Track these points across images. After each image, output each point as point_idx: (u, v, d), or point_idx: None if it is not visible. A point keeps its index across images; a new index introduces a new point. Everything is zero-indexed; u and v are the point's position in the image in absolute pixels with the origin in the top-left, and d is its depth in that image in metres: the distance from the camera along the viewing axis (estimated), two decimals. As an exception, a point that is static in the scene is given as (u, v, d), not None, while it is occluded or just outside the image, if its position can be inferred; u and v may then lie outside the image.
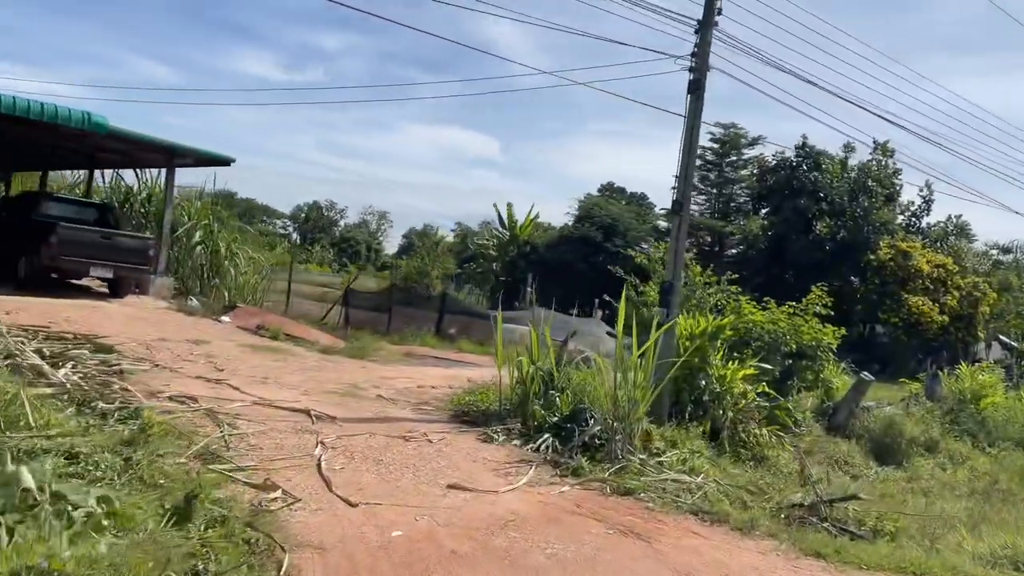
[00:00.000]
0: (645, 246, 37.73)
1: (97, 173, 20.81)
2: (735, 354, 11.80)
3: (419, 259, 43.91)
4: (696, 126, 10.81)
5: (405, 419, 8.70)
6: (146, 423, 5.78)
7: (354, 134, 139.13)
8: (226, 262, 17.44)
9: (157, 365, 9.41)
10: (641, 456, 7.45)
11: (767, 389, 11.54)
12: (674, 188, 11.03)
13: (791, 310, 13.60)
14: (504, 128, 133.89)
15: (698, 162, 38.91)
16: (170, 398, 7.60)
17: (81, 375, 7.29)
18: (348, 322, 21.23)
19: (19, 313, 11.52)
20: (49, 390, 6.52)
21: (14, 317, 11.05)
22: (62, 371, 7.08)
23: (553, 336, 10.71)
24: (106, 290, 15.72)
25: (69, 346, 9.00)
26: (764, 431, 10.88)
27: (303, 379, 10.53)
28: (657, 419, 9.79)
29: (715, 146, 39.02)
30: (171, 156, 16.47)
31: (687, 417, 10.44)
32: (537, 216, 40.33)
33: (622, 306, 8.79)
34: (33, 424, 5.10)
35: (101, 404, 6.23)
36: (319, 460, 6.12)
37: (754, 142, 38.07)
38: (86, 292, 15.52)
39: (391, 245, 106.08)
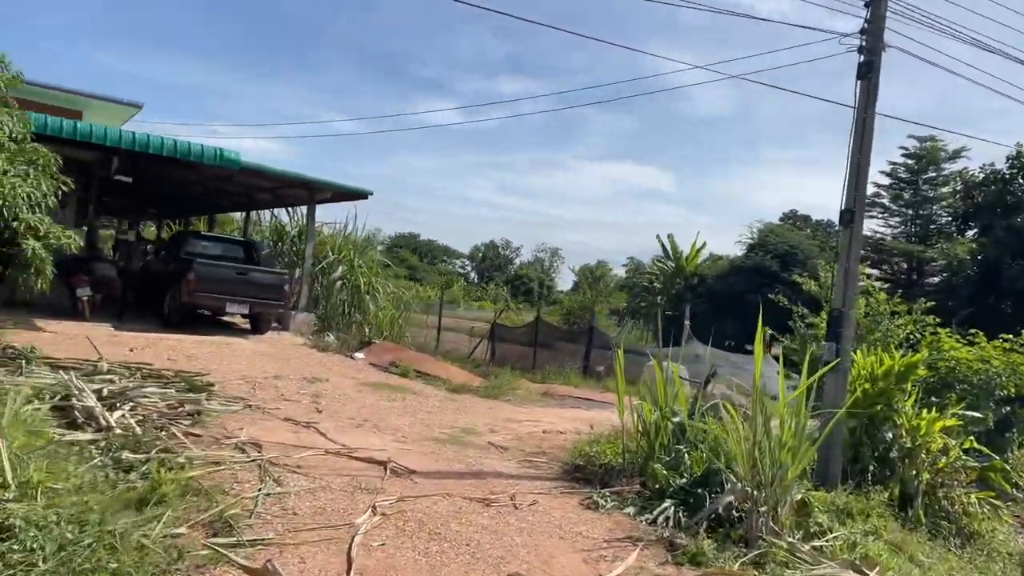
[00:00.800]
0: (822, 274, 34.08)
1: (265, 213, 21.68)
2: (932, 400, 9.41)
3: (582, 294, 42.76)
4: (869, 118, 8.74)
5: (502, 474, 7.34)
6: (157, 481, 4.86)
7: (529, 174, 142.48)
8: (367, 297, 17.12)
9: (250, 406, 8.75)
10: (791, 538, 5.57)
11: (976, 444, 9.01)
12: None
13: (1007, 345, 10.82)
14: (678, 160, 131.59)
15: (888, 180, 34.74)
16: (236, 445, 6.78)
17: (140, 418, 6.64)
18: (494, 358, 20.35)
19: (144, 350, 11.51)
20: (87, 436, 5.86)
21: (135, 354, 11.00)
22: (116, 414, 6.45)
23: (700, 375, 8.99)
24: (248, 326, 15.80)
25: (162, 384, 8.56)
26: (973, 498, 8.43)
27: (409, 422, 9.51)
28: (826, 483, 7.76)
29: (910, 162, 34.49)
30: (311, 191, 16.46)
31: (869, 480, 8.30)
32: (704, 246, 37.82)
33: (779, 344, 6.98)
34: (8, 482, 4.31)
35: (126, 454, 5.42)
36: (356, 533, 4.91)
37: (956, 155, 33.21)
38: (228, 328, 15.67)
39: (564, 282, 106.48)
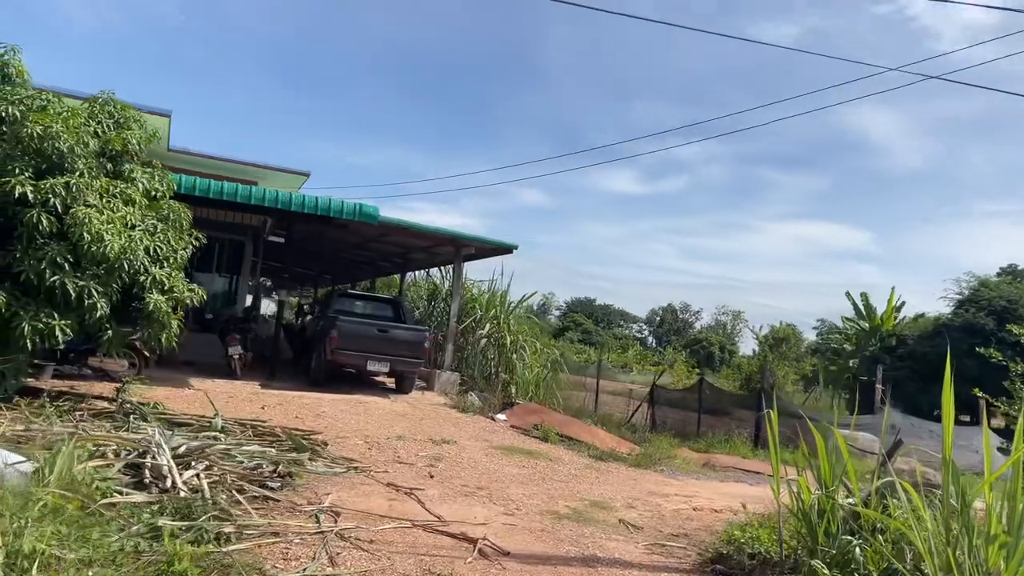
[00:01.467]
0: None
1: (423, 273, 21.83)
2: None
3: (762, 357, 39.60)
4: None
5: (619, 561, 6.02)
6: (174, 554, 4.13)
7: (712, 237, 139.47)
8: (513, 356, 16.34)
9: (356, 468, 8.05)
10: None
11: None
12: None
13: None
14: (873, 217, 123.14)
15: None
16: (313, 513, 6.03)
17: (215, 479, 6.07)
18: (654, 425, 18.71)
19: (276, 407, 11.32)
20: (142, 497, 5.32)
21: (265, 411, 10.80)
22: (188, 473, 5.91)
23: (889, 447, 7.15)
24: (393, 385, 15.49)
25: (268, 442, 8.10)
26: None
27: (531, 492, 8.39)
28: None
29: None
30: (457, 247, 16.11)
31: None
32: (903, 304, 33.65)
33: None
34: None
35: (165, 520, 4.77)
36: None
37: None
38: (373, 388, 15.43)
39: (747, 346, 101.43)
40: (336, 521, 5.88)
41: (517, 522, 6.87)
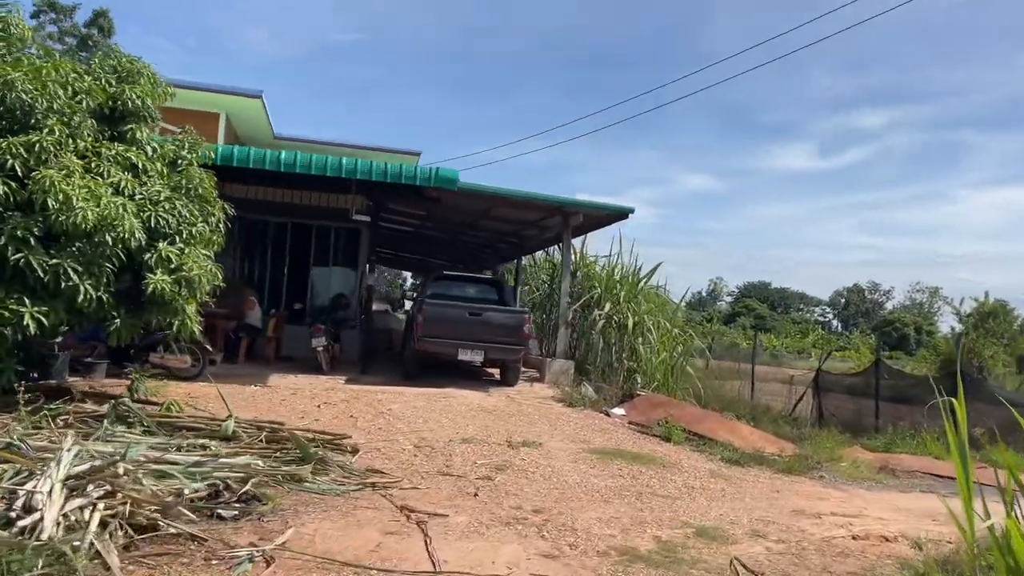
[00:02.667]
0: None
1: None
2: None
3: (966, 334, 33.85)
4: None
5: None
6: None
7: (900, 210, 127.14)
8: (637, 340, 13.93)
9: (373, 484, 6.20)
10: None
11: None
12: None
13: None
14: None
15: None
16: (282, 544, 4.25)
17: (112, 512, 4.41)
18: (820, 416, 15.55)
19: (337, 405, 9.82)
20: None
21: (320, 410, 9.30)
22: (74, 503, 4.28)
23: None
24: (498, 377, 13.64)
25: (273, 450, 6.46)
26: None
27: (612, 516, 6.16)
28: None
29: None
30: (564, 216, 13.94)
31: None
32: None
33: None
34: None
35: None
36: None
37: None
38: (477, 380, 13.63)
39: (945, 326, 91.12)
40: (270, 568, 4.03)
41: (558, 570, 4.69)
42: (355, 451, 7.14)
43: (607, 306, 14.30)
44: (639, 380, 13.67)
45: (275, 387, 10.88)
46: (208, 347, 10.89)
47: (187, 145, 8.80)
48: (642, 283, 15.02)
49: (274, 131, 19.40)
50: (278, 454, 6.40)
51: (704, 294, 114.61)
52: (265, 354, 13.84)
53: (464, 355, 12.01)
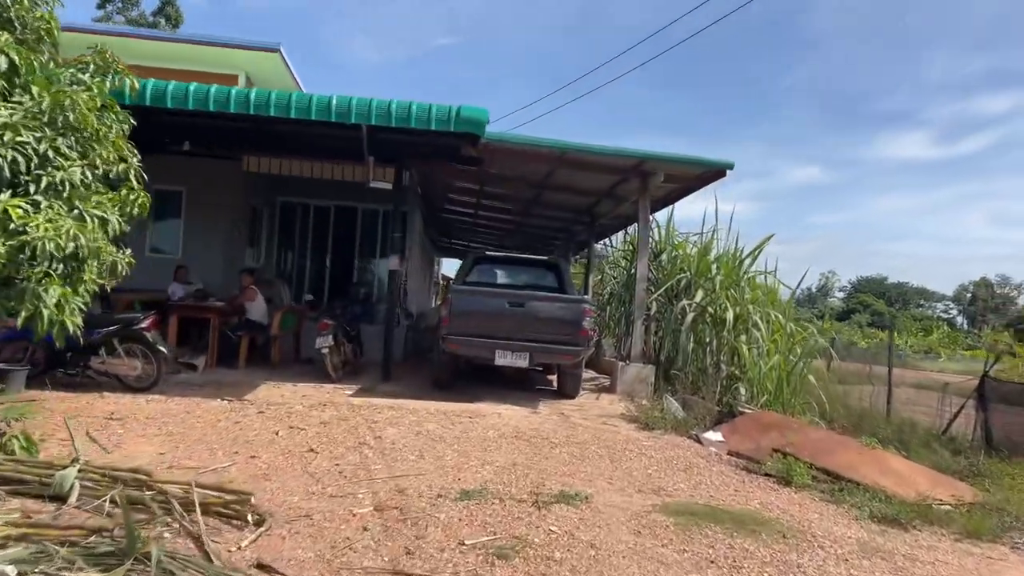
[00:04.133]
0: None
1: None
2: None
3: None
4: None
5: None
6: None
7: None
8: (741, 339, 10.57)
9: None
10: None
11: None
12: None
13: None
14: None
15: None
16: None
17: None
18: (989, 440, 11.67)
19: (316, 428, 7.05)
20: None
21: (273, 439, 6.56)
22: None
23: None
24: (554, 386, 10.64)
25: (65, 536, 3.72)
26: None
27: None
28: None
29: None
30: (642, 175, 10.75)
31: None
32: None
33: None
34: None
35: None
36: None
37: None
38: (529, 391, 10.66)
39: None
40: None
41: None
42: (260, 522, 4.31)
43: (699, 294, 11.02)
44: (742, 392, 10.34)
45: (251, 402, 8.26)
46: (164, 348, 8.39)
47: (91, 68, 6.26)
48: (745, 265, 11.60)
49: (303, 90, 16.97)
50: (94, 538, 3.65)
51: (814, 290, 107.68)
52: (272, 356, 11.33)
53: (503, 358, 9.06)
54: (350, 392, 9.35)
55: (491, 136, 9.46)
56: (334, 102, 8.40)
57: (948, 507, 7.35)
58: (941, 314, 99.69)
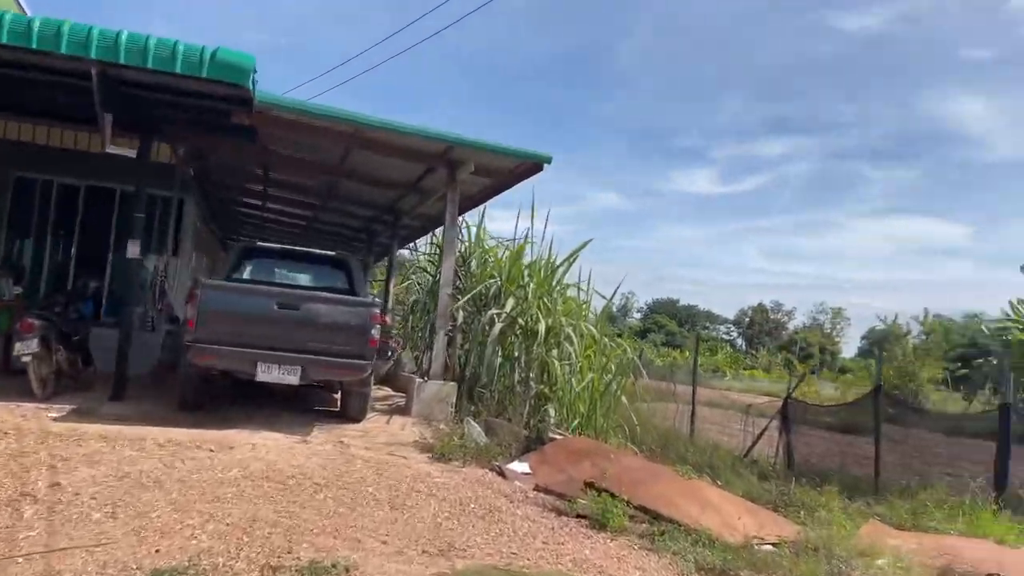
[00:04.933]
0: None
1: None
2: None
3: (899, 356, 31.17)
4: None
5: None
6: None
7: (800, 236, 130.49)
8: (552, 353, 9.48)
9: None
10: None
11: None
12: None
13: None
14: (971, 211, 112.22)
15: None
16: None
17: None
18: (790, 463, 11.48)
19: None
20: None
21: None
22: None
23: None
24: (337, 407, 8.93)
25: None
26: None
27: None
28: None
29: None
30: (450, 165, 9.38)
31: None
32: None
33: None
34: None
35: None
36: None
37: None
38: (305, 411, 8.86)
39: (849, 348, 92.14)
40: None
41: None
42: None
43: (509, 303, 9.81)
44: (552, 413, 9.21)
45: None
46: None
47: None
48: (560, 272, 10.56)
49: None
50: None
51: (615, 310, 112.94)
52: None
53: (267, 373, 7.23)
54: (57, 415, 7.08)
55: (266, 98, 7.65)
56: (66, 28, 6.23)
57: (774, 549, 6.58)
58: (724, 336, 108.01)
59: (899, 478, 9.68)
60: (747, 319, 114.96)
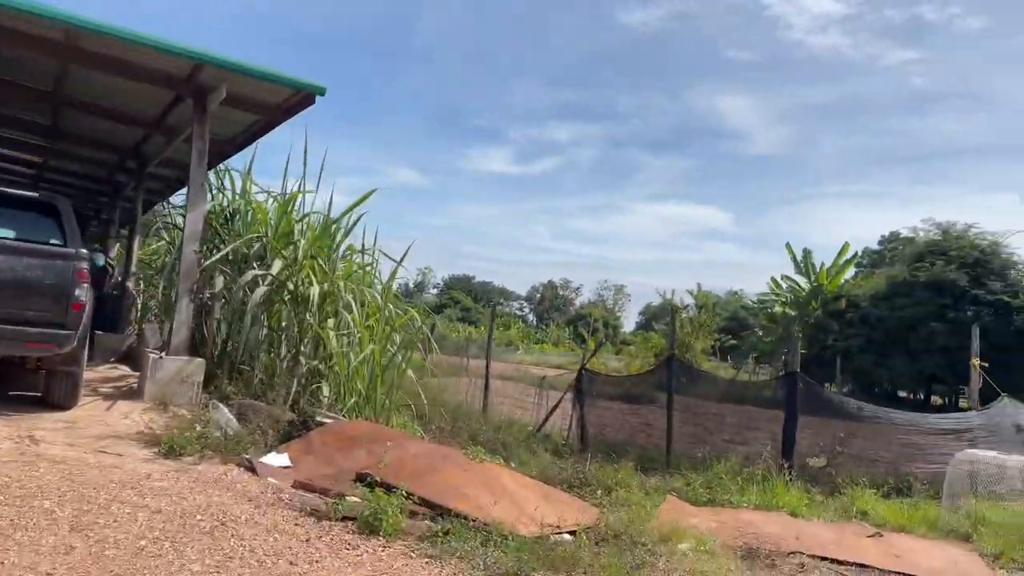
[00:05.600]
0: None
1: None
2: None
3: (678, 327, 32.91)
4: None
5: None
6: None
7: (586, 218, 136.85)
8: (326, 324, 8.09)
9: None
10: None
11: None
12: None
13: None
14: (737, 199, 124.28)
15: None
16: None
17: None
18: (584, 437, 11.00)
19: None
20: None
21: None
22: None
23: None
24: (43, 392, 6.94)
25: None
26: None
27: None
28: None
29: None
30: (196, 92, 7.62)
31: None
32: (854, 257, 27.50)
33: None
34: None
35: None
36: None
37: None
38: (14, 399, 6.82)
39: (629, 323, 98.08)
40: None
41: None
42: None
43: (276, 264, 8.24)
44: (326, 392, 7.83)
45: None
46: None
47: None
48: (339, 230, 9.09)
49: None
50: None
51: (411, 285, 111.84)
52: None
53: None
54: None
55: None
56: None
57: (570, 536, 5.81)
58: (517, 312, 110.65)
59: (692, 450, 9.44)
60: (538, 295, 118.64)
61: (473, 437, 9.57)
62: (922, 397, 27.07)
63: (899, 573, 5.73)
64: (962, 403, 27.36)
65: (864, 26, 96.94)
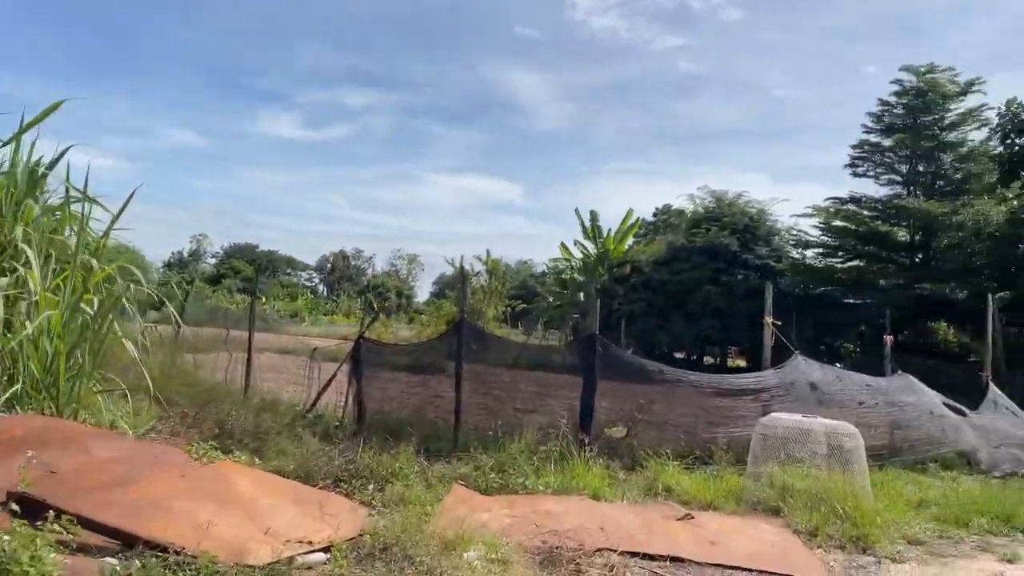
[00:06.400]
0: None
1: None
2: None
3: (469, 294, 32.25)
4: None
5: None
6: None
7: (380, 188, 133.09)
8: (-3, 283, 5.85)
9: None
10: None
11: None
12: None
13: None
14: (525, 173, 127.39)
15: (876, 124, 26.06)
16: None
17: None
18: (361, 416, 9.46)
19: None
20: None
21: None
22: None
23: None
24: None
25: None
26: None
27: None
28: None
29: (902, 100, 25.68)
30: None
31: None
32: (637, 223, 28.10)
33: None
34: None
35: None
36: None
37: (968, 89, 24.62)
38: None
39: (423, 293, 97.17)
40: None
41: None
42: None
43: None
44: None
45: None
46: None
47: None
48: (18, 157, 6.68)
49: None
50: None
51: (186, 254, 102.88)
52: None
53: None
54: None
55: None
56: None
57: (324, 554, 4.41)
58: (306, 282, 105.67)
59: (484, 424, 8.30)
60: (328, 265, 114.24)
61: (221, 425, 7.76)
62: (695, 358, 28.51)
63: (717, 565, 4.92)
64: (730, 362, 29.31)
65: (639, 10, 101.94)
